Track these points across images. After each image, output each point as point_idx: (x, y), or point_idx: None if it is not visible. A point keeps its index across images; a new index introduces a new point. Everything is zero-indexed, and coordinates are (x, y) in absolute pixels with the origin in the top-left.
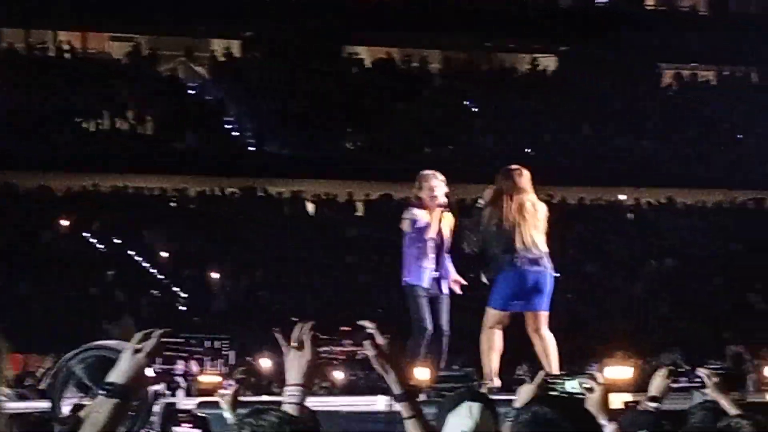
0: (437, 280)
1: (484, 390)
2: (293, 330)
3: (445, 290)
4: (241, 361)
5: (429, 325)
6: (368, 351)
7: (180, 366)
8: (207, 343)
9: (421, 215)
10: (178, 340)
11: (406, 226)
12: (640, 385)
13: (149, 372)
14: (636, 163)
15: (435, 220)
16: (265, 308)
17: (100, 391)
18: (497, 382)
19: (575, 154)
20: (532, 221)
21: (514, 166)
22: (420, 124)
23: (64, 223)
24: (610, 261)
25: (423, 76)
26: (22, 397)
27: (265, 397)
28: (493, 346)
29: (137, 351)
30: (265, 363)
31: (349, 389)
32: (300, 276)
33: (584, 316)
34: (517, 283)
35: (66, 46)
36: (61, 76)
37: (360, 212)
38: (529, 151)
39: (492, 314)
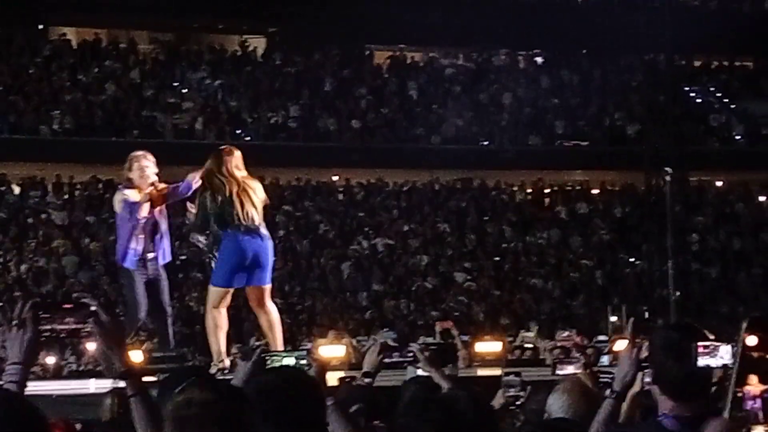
0: (153, 261)
1: (213, 370)
2: (15, 308)
3: (163, 270)
4: None
5: (142, 312)
6: (92, 328)
7: None
8: None
9: (131, 195)
10: None
11: (117, 206)
12: (352, 364)
13: None
14: (346, 144)
15: (145, 200)
16: None
17: None
18: (227, 362)
19: (286, 135)
20: (247, 197)
21: (225, 146)
22: (128, 105)
23: None
24: (322, 241)
25: (131, 56)
26: None
27: None
28: (219, 324)
29: None
30: None
31: (58, 373)
32: (6, 260)
33: (296, 295)
34: (237, 258)
35: None
36: None
37: (66, 195)
38: (240, 132)
39: (215, 292)
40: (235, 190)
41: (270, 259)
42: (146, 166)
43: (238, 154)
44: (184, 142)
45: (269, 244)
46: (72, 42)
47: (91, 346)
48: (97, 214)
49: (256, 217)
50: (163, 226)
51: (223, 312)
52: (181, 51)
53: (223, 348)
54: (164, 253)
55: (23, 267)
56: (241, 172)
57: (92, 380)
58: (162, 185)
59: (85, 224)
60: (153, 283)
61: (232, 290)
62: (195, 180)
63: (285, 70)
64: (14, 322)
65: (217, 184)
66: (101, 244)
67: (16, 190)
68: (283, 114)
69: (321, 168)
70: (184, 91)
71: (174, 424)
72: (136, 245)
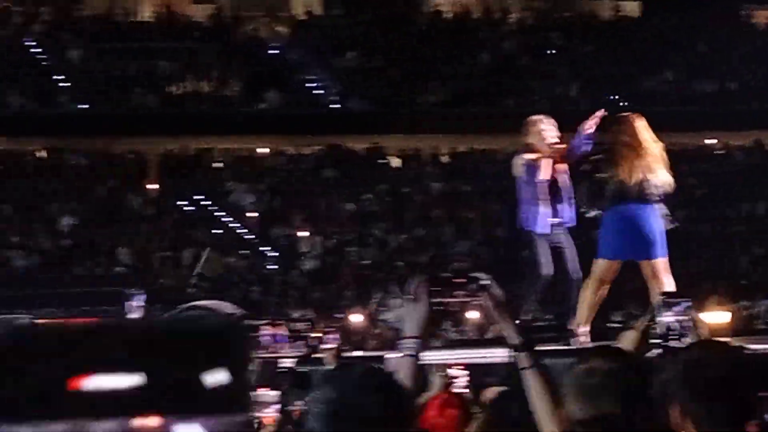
0: (558, 226)
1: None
2: (408, 283)
3: (568, 236)
4: (334, 317)
5: (545, 270)
6: (485, 302)
7: (267, 331)
8: (289, 326)
9: (531, 159)
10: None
11: (517, 171)
12: (736, 329)
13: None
14: (722, 107)
15: (546, 163)
16: (353, 264)
17: None
18: (583, 332)
19: (660, 99)
20: (647, 165)
21: (629, 113)
22: (503, 74)
23: (154, 186)
24: (700, 206)
25: (504, 26)
26: None
27: (359, 352)
28: (592, 297)
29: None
30: (356, 318)
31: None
32: (387, 231)
33: (675, 261)
34: (619, 228)
35: (148, 11)
36: (145, 40)
37: (443, 165)
38: (615, 97)
39: (596, 264)
40: (632, 159)
41: (657, 230)
42: (544, 129)
43: (643, 121)
44: (559, 109)
45: (657, 216)
46: (446, 14)
47: (472, 315)
48: (473, 184)
49: (655, 189)
50: (567, 190)
51: (602, 284)
52: (554, 18)
53: (588, 319)
54: (570, 217)
55: (403, 237)
56: (644, 138)
57: (501, 349)
58: (561, 146)
59: (462, 194)
60: (556, 250)
61: (616, 263)
62: (587, 127)
63: (659, 34)
64: (408, 297)
65: (624, 153)
66: (478, 214)
67: (396, 162)
68: (657, 78)
69: (697, 132)
70: (557, 58)
71: (576, 394)
72: (539, 209)
